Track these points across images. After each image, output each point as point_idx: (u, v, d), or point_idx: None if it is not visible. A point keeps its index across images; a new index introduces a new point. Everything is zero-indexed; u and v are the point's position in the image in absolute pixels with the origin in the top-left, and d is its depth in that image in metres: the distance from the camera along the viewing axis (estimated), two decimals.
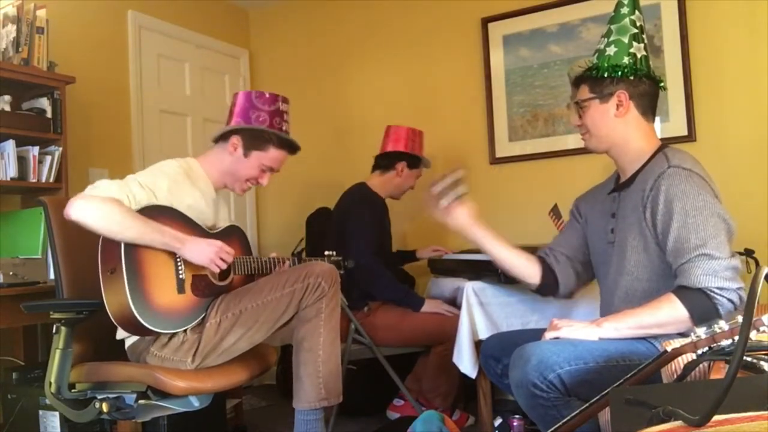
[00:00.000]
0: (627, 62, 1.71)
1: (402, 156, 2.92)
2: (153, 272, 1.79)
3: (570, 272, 1.91)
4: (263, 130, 2.03)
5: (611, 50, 1.72)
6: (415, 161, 2.94)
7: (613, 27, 1.76)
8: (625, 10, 1.77)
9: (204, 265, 1.86)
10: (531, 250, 1.94)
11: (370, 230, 2.75)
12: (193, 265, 1.86)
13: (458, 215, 1.83)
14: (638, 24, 1.76)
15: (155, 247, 1.78)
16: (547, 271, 1.89)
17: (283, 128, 2.09)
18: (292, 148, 2.11)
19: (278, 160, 2.09)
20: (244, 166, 2.05)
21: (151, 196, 1.84)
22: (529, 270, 1.89)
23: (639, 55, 1.73)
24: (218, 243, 1.87)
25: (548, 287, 1.91)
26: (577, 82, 1.78)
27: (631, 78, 1.70)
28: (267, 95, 2.08)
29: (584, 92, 1.74)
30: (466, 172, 1.81)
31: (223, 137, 2.07)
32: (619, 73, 1.70)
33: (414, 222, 3.59)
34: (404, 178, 2.93)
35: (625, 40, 1.73)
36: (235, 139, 2.04)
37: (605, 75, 1.70)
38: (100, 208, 1.71)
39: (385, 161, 2.94)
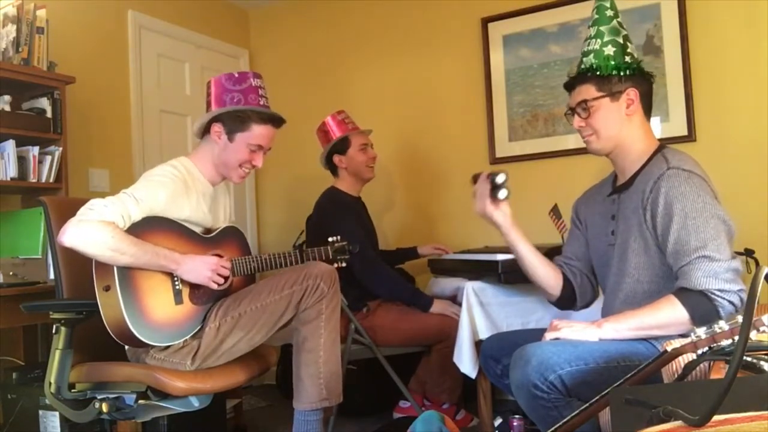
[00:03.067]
0: (630, 61, 1.70)
1: (331, 151, 2.89)
2: (148, 286, 1.79)
3: (587, 285, 1.90)
4: (240, 109, 1.97)
5: (609, 50, 1.70)
6: (343, 144, 2.89)
7: (603, 28, 1.73)
8: (609, 12, 1.76)
9: (202, 284, 1.85)
10: None
11: (357, 229, 2.73)
12: None
13: (502, 213, 1.83)
14: (624, 27, 1.76)
15: (152, 269, 1.78)
16: (567, 285, 1.88)
17: (261, 103, 2.02)
18: (275, 121, 2.04)
19: (265, 136, 2.02)
20: (233, 152, 2.00)
21: (147, 212, 1.82)
22: (552, 281, 1.87)
23: (635, 55, 1.73)
24: (213, 260, 1.85)
25: (567, 301, 1.90)
26: (575, 83, 1.75)
27: (637, 76, 1.69)
28: (236, 75, 2.02)
29: (590, 91, 1.70)
30: (509, 174, 1.81)
31: (205, 129, 2.04)
32: (627, 71, 1.68)
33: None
34: (349, 164, 2.89)
35: (620, 40, 1.72)
36: (217, 127, 1.99)
37: (612, 73, 1.68)
38: (94, 235, 1.69)
39: (329, 167, 2.95)
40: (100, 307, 1.75)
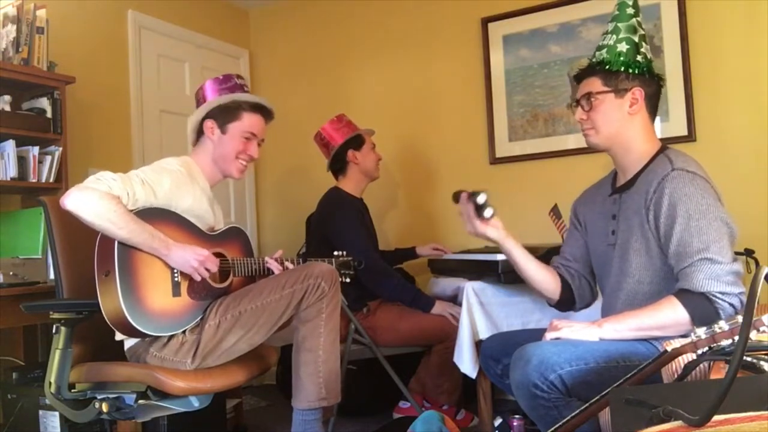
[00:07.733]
0: (641, 60, 1.70)
1: (344, 147, 2.90)
2: (147, 275, 1.78)
3: (585, 286, 1.90)
4: (228, 100, 2.04)
5: (623, 47, 1.70)
6: (358, 140, 2.91)
7: (621, 25, 1.73)
8: (630, 11, 1.76)
9: (187, 273, 1.84)
10: (532, 250, 1.94)
11: (360, 231, 2.74)
12: None
13: (493, 228, 1.82)
14: (642, 27, 1.76)
15: (144, 250, 1.77)
16: (565, 287, 1.88)
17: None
18: (264, 110, 2.10)
19: (256, 124, 2.07)
20: (228, 143, 2.04)
21: (151, 195, 1.82)
22: (550, 285, 1.88)
23: (648, 56, 1.73)
24: (205, 252, 1.84)
25: (566, 303, 1.90)
26: (584, 75, 1.75)
27: (645, 77, 1.70)
28: (221, 77, 2.10)
29: (596, 85, 1.71)
30: (489, 191, 1.80)
31: (198, 131, 2.08)
32: (636, 70, 1.68)
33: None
34: (363, 160, 2.91)
35: (636, 39, 1.72)
36: (209, 122, 2.04)
37: (621, 69, 1.68)
38: (97, 203, 1.69)
39: (337, 165, 2.94)
40: (98, 295, 1.75)
